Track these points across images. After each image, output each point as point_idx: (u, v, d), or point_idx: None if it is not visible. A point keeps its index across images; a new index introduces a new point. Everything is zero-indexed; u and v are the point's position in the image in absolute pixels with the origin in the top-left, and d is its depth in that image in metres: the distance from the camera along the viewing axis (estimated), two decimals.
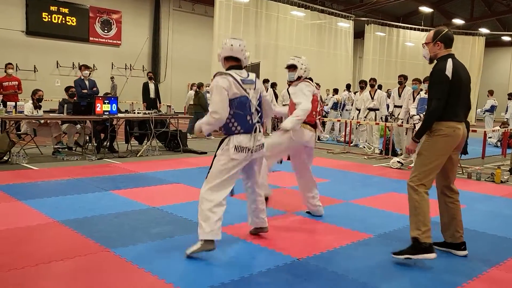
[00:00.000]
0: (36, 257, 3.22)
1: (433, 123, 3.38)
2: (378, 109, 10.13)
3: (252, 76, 3.49)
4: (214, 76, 3.45)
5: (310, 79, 4.48)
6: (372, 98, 10.18)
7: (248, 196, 3.74)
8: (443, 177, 3.55)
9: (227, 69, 3.46)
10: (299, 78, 4.39)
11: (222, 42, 3.52)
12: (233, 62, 3.48)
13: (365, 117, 10.29)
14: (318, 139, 12.16)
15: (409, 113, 8.72)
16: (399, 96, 9.48)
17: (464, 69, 3.48)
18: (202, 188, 3.38)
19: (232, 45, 3.44)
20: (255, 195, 3.70)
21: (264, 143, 3.55)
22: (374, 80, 10.45)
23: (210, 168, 3.41)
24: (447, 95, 3.33)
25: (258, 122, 3.49)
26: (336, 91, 13.94)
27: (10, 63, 9.77)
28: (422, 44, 3.60)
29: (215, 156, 3.45)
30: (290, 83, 4.50)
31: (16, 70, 10.04)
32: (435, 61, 3.50)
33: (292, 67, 4.40)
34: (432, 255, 3.30)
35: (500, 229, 4.42)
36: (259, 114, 3.50)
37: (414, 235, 3.33)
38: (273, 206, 4.91)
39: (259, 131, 3.48)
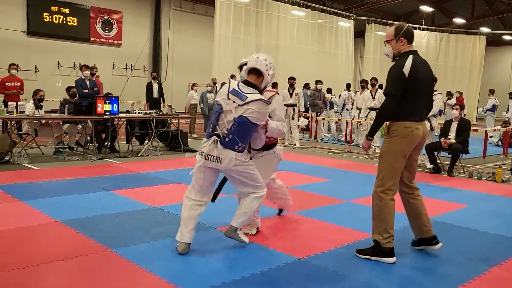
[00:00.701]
0: (37, 257, 3.22)
1: (384, 120, 3.39)
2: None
3: (253, 96, 3.22)
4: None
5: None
6: (373, 98, 10.17)
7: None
8: (405, 177, 3.53)
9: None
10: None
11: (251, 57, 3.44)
12: (253, 76, 3.38)
13: (366, 116, 10.28)
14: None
15: None
16: None
17: (425, 66, 3.40)
18: None
19: (258, 57, 3.39)
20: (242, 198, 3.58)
21: (220, 157, 3.25)
22: (375, 79, 10.43)
23: None
24: (401, 93, 3.25)
25: (221, 136, 3.25)
26: (329, 90, 13.91)
27: (14, 64, 9.79)
28: (384, 42, 3.50)
29: None
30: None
31: (18, 70, 10.03)
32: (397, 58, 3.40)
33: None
34: (392, 259, 3.35)
35: (501, 228, 4.42)
36: (228, 132, 3.22)
37: (376, 238, 3.40)
38: (273, 206, 4.91)
39: (218, 145, 3.25)
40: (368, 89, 10.72)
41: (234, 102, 3.24)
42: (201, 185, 3.42)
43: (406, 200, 3.59)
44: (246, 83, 3.35)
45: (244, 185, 3.46)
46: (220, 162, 3.28)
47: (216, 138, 3.27)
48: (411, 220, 3.63)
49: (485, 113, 14.61)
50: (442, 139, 7.32)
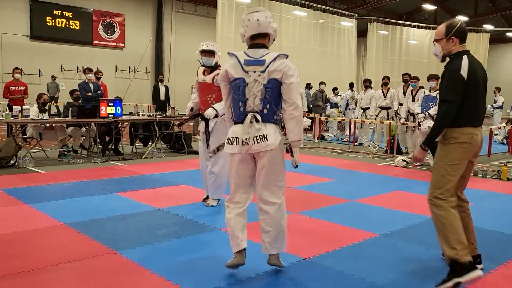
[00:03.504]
0: (44, 260, 3.24)
1: (444, 128, 3.05)
2: (390, 108, 10.09)
3: (270, 56, 2.91)
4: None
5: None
6: (385, 96, 10.13)
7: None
8: (457, 186, 3.15)
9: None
10: (216, 64, 4.67)
11: (243, 19, 3.06)
12: (259, 40, 2.99)
13: (376, 115, 10.23)
14: (322, 138, 12.15)
15: (409, 111, 8.72)
16: (404, 94, 9.45)
17: (481, 67, 3.11)
18: None
19: (258, 19, 2.97)
20: (260, 212, 3.04)
21: (264, 134, 2.88)
22: (388, 78, 10.34)
23: None
24: (461, 98, 2.98)
25: (256, 111, 2.90)
26: (334, 90, 13.92)
27: (17, 68, 9.84)
28: (433, 41, 3.20)
29: None
30: (205, 67, 4.76)
31: (21, 75, 10.10)
32: (447, 59, 3.14)
33: (210, 53, 4.62)
34: (478, 273, 2.90)
35: (507, 226, 4.40)
36: (263, 103, 2.89)
37: (451, 255, 2.94)
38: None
39: (256, 121, 2.89)
40: (371, 88, 10.69)
41: (254, 72, 2.89)
42: (245, 181, 2.99)
43: (458, 212, 3.15)
44: (254, 46, 2.98)
45: (267, 182, 2.95)
46: (267, 139, 2.86)
47: (252, 114, 2.89)
48: None
49: (493, 110, 14.46)
50: None
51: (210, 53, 4.66)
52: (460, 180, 3.14)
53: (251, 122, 2.88)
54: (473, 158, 3.19)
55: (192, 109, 4.99)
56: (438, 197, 3.01)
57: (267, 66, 2.88)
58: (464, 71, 2.97)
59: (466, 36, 3.12)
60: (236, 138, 2.92)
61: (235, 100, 2.96)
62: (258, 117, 2.90)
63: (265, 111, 2.91)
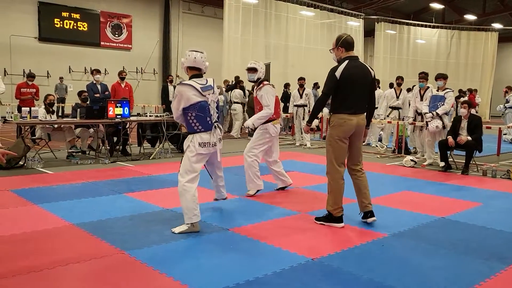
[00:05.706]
0: (53, 260, 3.26)
1: (319, 111, 4.25)
2: (401, 108, 10.04)
3: (210, 81, 4.05)
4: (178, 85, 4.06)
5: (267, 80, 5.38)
6: (397, 97, 10.07)
7: (213, 177, 4.62)
8: (350, 160, 4.28)
9: (190, 77, 4.04)
10: (258, 79, 5.34)
11: (185, 53, 4.05)
12: (195, 71, 4.04)
13: (387, 115, 10.17)
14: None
15: (416, 111, 8.65)
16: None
17: (359, 70, 4.05)
18: (180, 182, 4.04)
19: (195, 57, 4.00)
20: (216, 176, 4.60)
21: (220, 138, 4.16)
22: (401, 79, 10.25)
23: (181, 163, 4.08)
24: (333, 91, 4.01)
25: (216, 121, 4.08)
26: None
27: (31, 76, 10.00)
28: (329, 50, 4.23)
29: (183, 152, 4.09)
30: (253, 82, 5.54)
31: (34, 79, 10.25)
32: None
33: (252, 70, 5.35)
34: (340, 225, 4.15)
35: None
36: (217, 115, 4.13)
37: (328, 209, 4.17)
38: (286, 207, 4.91)
39: (218, 129, 4.10)
40: (379, 88, 10.63)
41: (209, 94, 4.02)
42: (198, 171, 4.10)
43: (353, 179, 4.31)
44: (195, 76, 4.04)
45: (219, 158, 4.29)
46: (220, 141, 4.16)
47: (216, 125, 4.07)
48: (356, 195, 4.33)
49: (505, 110, 14.24)
50: (459, 137, 7.20)
51: (253, 70, 5.35)
52: (352, 153, 4.23)
53: (215, 130, 4.05)
54: (355, 138, 4.15)
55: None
56: (331, 171, 4.12)
57: (213, 89, 4.08)
58: (338, 73, 3.97)
59: (350, 46, 4.10)
60: (207, 142, 3.99)
61: (201, 117, 3.94)
62: (220, 126, 4.14)
63: (218, 119, 4.11)
